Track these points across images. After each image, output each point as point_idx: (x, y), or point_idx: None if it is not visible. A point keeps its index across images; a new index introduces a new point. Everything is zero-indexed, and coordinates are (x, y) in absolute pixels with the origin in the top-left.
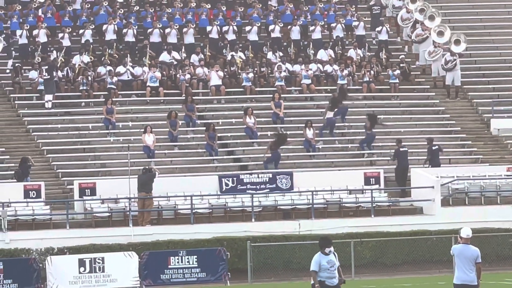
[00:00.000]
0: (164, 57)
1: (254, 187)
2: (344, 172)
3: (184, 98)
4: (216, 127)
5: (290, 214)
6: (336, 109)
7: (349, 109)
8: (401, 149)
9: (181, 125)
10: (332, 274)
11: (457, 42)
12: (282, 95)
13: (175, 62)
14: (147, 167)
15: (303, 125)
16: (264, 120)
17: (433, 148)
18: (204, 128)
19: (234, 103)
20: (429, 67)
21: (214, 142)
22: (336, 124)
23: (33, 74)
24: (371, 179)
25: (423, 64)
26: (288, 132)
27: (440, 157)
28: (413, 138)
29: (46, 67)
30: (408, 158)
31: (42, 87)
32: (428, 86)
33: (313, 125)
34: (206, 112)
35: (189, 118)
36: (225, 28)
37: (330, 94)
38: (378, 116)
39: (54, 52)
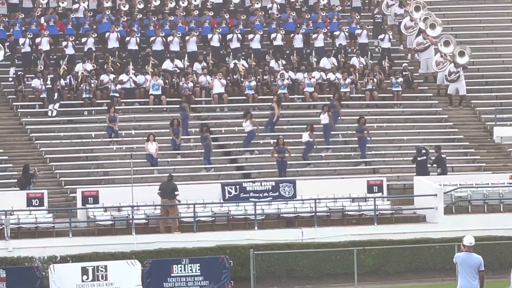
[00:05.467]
0: (167, 65)
1: (257, 195)
2: (347, 180)
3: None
4: (218, 135)
5: (293, 222)
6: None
7: (352, 117)
8: (442, 156)
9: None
10: None
11: (462, 54)
12: (285, 103)
13: (178, 70)
14: (172, 174)
15: (306, 132)
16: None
17: (442, 156)
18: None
19: (236, 111)
20: (431, 75)
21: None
22: (338, 132)
23: (36, 83)
24: (374, 187)
25: (424, 73)
26: (290, 140)
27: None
28: (416, 146)
29: (52, 76)
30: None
31: (45, 95)
32: (431, 94)
33: (314, 127)
34: (208, 120)
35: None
36: (229, 36)
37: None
38: (379, 125)
39: (61, 62)
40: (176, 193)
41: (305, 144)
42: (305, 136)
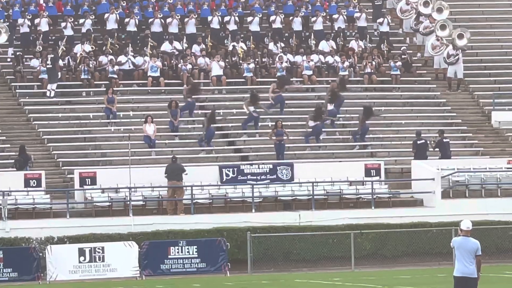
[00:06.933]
0: (166, 47)
1: (255, 177)
2: (345, 164)
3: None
4: (216, 117)
5: (291, 205)
6: (335, 102)
7: (350, 101)
8: (444, 140)
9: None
10: None
11: (461, 36)
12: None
13: (177, 52)
14: (176, 156)
15: (305, 116)
16: (265, 111)
17: (444, 140)
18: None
19: (235, 94)
20: (431, 59)
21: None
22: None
23: (35, 63)
24: (371, 170)
25: (428, 56)
26: (288, 123)
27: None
28: (414, 130)
29: (52, 55)
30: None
31: (43, 76)
32: (430, 78)
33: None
34: (207, 102)
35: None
36: (226, 18)
37: (329, 85)
38: (377, 108)
39: (59, 43)
40: (184, 173)
41: (311, 128)
42: (311, 122)
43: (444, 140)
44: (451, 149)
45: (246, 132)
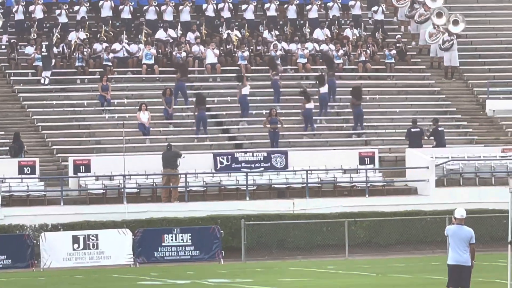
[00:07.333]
0: (160, 34)
1: (249, 165)
2: (339, 152)
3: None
4: (211, 105)
5: (285, 193)
6: (325, 83)
7: (344, 89)
8: (439, 128)
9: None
10: None
11: (456, 22)
12: (279, 74)
13: (171, 40)
14: (171, 144)
15: (299, 104)
16: (259, 99)
17: (439, 129)
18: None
19: (229, 82)
20: (426, 47)
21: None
22: (331, 104)
23: (29, 50)
24: (366, 158)
25: (422, 45)
26: (283, 111)
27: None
28: (409, 119)
29: (46, 43)
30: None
31: (38, 63)
32: (424, 66)
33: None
34: (201, 90)
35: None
36: (221, 6)
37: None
38: (372, 97)
39: (54, 30)
40: (181, 157)
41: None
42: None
43: (439, 128)
44: (445, 138)
45: (242, 120)
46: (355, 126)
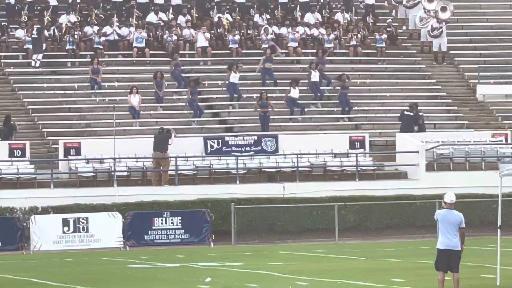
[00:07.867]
0: (151, 18)
1: (239, 149)
2: (329, 136)
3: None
4: (201, 89)
5: (275, 177)
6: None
7: (335, 73)
8: (420, 113)
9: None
10: None
11: (444, 9)
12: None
13: (162, 23)
14: (163, 127)
15: (288, 88)
16: (250, 83)
17: (419, 113)
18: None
19: (220, 65)
20: (417, 32)
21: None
22: (321, 88)
23: (20, 33)
24: (356, 143)
25: (412, 29)
26: (273, 95)
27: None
28: (399, 103)
29: (37, 26)
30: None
31: (28, 46)
32: (415, 51)
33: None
34: (192, 73)
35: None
36: None
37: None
38: (362, 81)
39: (45, 13)
40: (172, 137)
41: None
42: (295, 92)
43: (419, 113)
44: (436, 122)
45: (231, 103)
46: (343, 110)
